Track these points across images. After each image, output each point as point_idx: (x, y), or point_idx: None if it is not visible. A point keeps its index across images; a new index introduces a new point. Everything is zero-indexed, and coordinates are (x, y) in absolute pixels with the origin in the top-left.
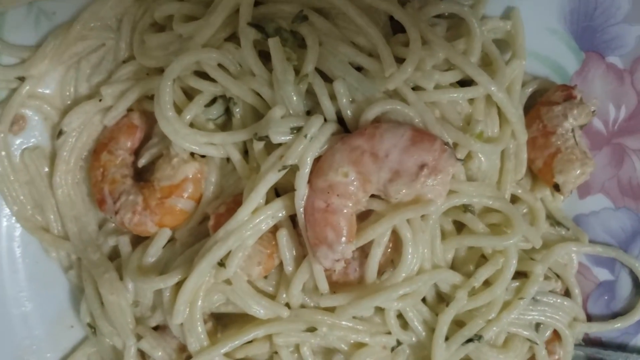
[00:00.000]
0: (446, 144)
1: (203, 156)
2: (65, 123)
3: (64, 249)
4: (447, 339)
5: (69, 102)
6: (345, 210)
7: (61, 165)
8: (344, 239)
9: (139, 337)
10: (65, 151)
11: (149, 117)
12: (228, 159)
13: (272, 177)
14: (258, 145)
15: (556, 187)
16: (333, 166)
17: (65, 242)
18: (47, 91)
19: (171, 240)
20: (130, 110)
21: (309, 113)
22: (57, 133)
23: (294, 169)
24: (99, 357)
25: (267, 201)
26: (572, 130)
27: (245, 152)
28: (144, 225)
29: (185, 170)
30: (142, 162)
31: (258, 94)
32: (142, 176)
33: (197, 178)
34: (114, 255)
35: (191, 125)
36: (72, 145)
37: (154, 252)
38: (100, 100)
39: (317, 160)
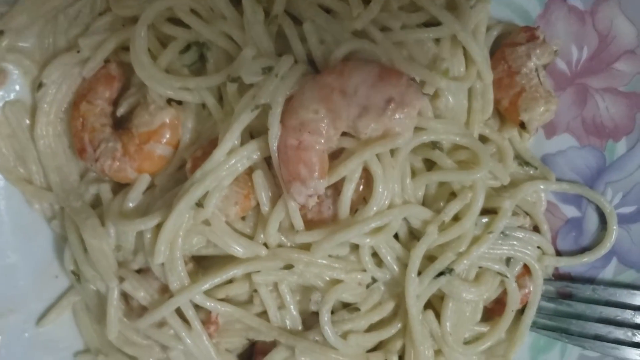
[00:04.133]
0: (412, 79)
1: (180, 104)
2: (45, 75)
3: (47, 199)
4: (419, 274)
5: (48, 56)
6: (317, 147)
7: (42, 117)
8: (316, 174)
9: (121, 280)
10: (46, 103)
11: (126, 68)
12: (204, 105)
13: (245, 117)
14: (231, 88)
15: (522, 125)
16: (303, 104)
17: (47, 193)
18: (26, 45)
19: (151, 186)
20: (107, 61)
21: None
22: (37, 86)
23: (266, 109)
24: (84, 304)
25: (243, 144)
26: (536, 70)
27: (221, 99)
28: (124, 171)
29: (162, 116)
30: (120, 111)
31: (231, 38)
32: (121, 126)
33: (174, 124)
34: (96, 204)
35: (166, 72)
36: (52, 97)
37: (134, 197)
38: (78, 51)
39: (289, 100)
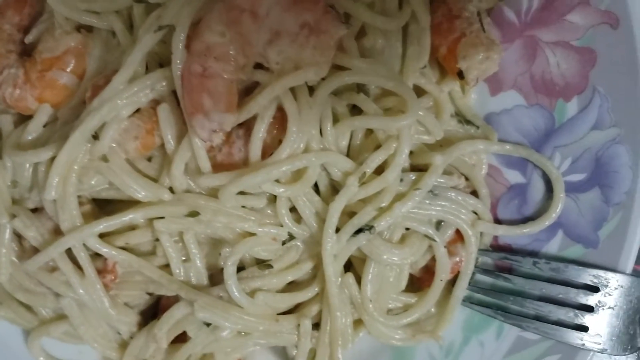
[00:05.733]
0: (331, 6)
1: (90, 32)
2: None
3: None
4: (338, 231)
5: None
6: (224, 76)
7: None
8: (221, 105)
9: (13, 217)
10: None
11: None
12: (115, 34)
13: (148, 40)
14: (138, 9)
15: (460, 75)
16: (210, 26)
17: None
18: None
19: (54, 120)
20: None
21: None
22: None
23: (172, 31)
24: None
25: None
26: (478, 14)
27: (132, 27)
28: (25, 100)
29: (67, 42)
30: (29, 38)
31: None
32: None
33: (80, 51)
34: None
35: None
36: None
37: (33, 128)
38: None
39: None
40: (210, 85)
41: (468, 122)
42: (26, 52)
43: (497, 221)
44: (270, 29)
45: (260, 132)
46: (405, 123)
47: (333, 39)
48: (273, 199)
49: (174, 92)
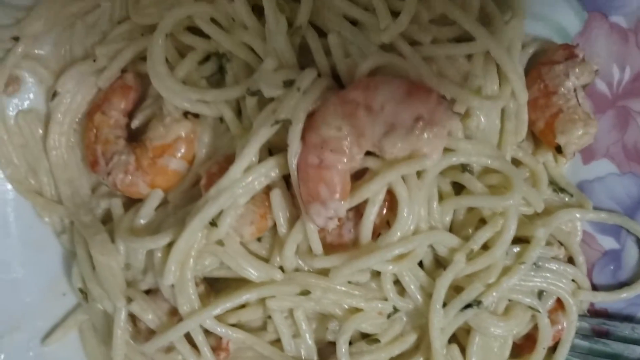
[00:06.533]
0: (442, 97)
1: (197, 117)
2: (60, 84)
3: (57, 212)
4: (445, 305)
5: (63, 64)
6: (339, 166)
7: (55, 127)
8: (337, 195)
9: (129, 300)
10: (60, 113)
11: (143, 79)
12: (222, 119)
13: (264, 132)
14: (251, 102)
15: (558, 149)
16: (326, 120)
17: (58, 206)
18: (42, 52)
19: (164, 203)
20: (124, 71)
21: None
22: (52, 95)
23: (286, 125)
24: (91, 325)
25: (261, 161)
26: (575, 90)
27: (239, 113)
28: (136, 186)
29: (178, 130)
30: (135, 123)
31: (251, 49)
32: (135, 139)
33: (189, 138)
34: (107, 219)
35: (184, 83)
36: (66, 106)
37: (146, 213)
38: (94, 60)
39: (311, 116)
40: (327, 175)
41: (562, 190)
42: (132, 136)
43: (593, 286)
44: (385, 122)
45: (371, 216)
46: (512, 202)
47: (446, 129)
48: (376, 273)
49: (284, 177)
